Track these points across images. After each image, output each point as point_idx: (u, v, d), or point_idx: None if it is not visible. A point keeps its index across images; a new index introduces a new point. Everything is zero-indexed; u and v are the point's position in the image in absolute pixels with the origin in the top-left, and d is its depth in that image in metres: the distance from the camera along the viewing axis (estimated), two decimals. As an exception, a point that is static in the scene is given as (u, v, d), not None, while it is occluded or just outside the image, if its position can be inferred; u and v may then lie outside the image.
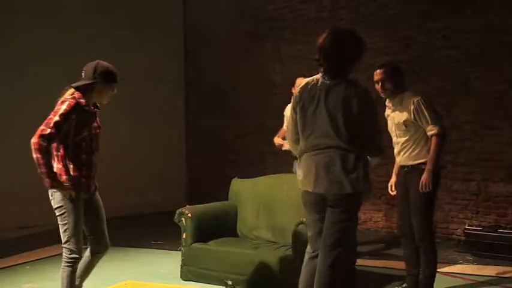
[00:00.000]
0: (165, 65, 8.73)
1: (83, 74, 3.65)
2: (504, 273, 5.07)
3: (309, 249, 3.49)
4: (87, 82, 3.59)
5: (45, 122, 3.48)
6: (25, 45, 7.43)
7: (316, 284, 3.28)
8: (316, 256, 3.38)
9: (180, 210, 4.96)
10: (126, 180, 8.05)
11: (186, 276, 4.84)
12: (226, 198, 5.29)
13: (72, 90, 3.60)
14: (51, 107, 7.59)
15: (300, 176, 3.41)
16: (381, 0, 7.14)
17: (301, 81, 5.42)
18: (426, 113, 4.10)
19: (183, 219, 4.86)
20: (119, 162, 8.05)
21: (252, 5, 8.46)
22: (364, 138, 3.32)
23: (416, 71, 6.63)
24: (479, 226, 5.95)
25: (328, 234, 3.30)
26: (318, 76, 3.38)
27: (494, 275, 5.02)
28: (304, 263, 3.48)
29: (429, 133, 4.11)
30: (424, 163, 4.11)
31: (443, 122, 4.20)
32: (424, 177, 4.05)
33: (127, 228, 7.52)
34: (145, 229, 7.37)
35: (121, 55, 8.08)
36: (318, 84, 3.35)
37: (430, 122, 4.10)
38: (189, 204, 5.23)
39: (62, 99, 3.56)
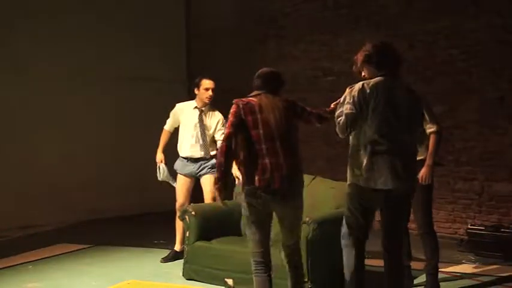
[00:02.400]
0: (167, 65, 8.73)
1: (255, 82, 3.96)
2: (507, 272, 5.06)
3: (356, 234, 3.67)
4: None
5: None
6: (26, 46, 7.43)
7: (398, 275, 3.70)
8: (364, 240, 3.68)
9: (184, 208, 4.98)
10: (128, 180, 8.06)
11: (188, 274, 4.84)
12: (231, 197, 5.28)
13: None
14: (52, 108, 7.61)
15: (366, 174, 3.50)
16: (383, -1, 7.16)
17: (206, 83, 5.48)
18: (426, 112, 4.13)
19: (186, 217, 4.87)
20: (121, 161, 8.06)
21: (255, 4, 8.46)
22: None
23: (419, 70, 6.63)
24: (481, 226, 5.93)
25: (397, 225, 3.68)
26: (380, 78, 3.53)
27: (496, 274, 5.01)
28: (349, 249, 3.69)
29: (429, 130, 4.19)
30: (425, 159, 4.19)
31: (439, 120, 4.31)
32: (424, 171, 4.16)
33: (129, 228, 7.53)
34: (148, 228, 7.36)
35: (123, 56, 8.11)
36: (388, 85, 3.52)
37: (429, 120, 4.18)
38: (193, 203, 5.24)
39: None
